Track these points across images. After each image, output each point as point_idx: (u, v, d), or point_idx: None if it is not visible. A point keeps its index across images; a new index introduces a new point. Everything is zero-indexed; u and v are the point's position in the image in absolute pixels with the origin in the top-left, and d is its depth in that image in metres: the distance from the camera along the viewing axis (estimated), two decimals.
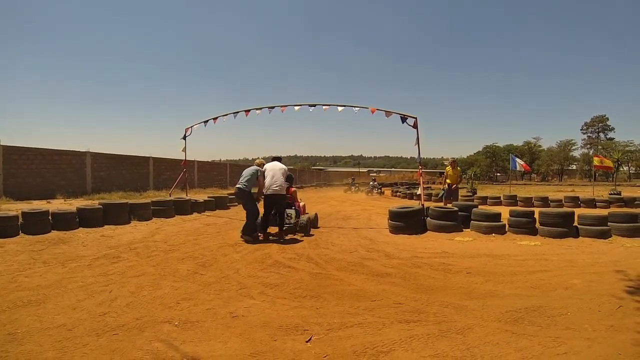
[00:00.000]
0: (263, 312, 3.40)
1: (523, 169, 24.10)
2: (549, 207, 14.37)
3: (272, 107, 10.21)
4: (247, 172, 7.27)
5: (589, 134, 68.82)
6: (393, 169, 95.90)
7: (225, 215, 10.84)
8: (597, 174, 36.45)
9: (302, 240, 6.86)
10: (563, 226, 6.98)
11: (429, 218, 7.93)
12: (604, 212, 7.95)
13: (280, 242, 6.65)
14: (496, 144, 66.46)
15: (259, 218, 7.07)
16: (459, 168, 12.71)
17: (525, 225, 7.28)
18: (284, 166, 7.37)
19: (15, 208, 8.19)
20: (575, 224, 7.18)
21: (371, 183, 25.38)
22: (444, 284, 4.29)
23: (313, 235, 7.56)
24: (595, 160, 21.75)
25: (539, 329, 3.02)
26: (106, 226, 7.64)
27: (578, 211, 7.96)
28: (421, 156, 9.00)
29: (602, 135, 67.46)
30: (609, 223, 7.15)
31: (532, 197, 16.08)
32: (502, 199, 16.55)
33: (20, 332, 2.85)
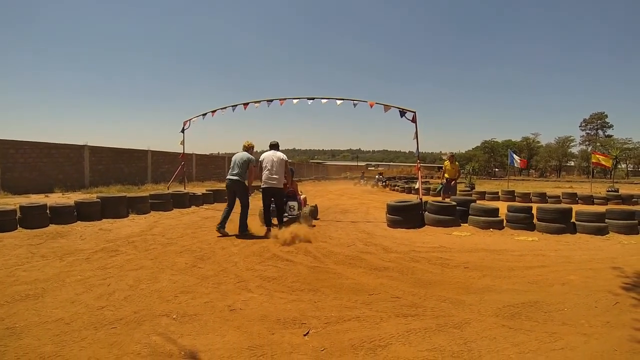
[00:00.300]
0: (261, 306, 3.41)
1: (520, 166, 24.16)
2: (547, 203, 14.41)
3: (271, 101, 10.18)
4: (238, 160, 6.67)
5: (587, 131, 68.99)
6: (391, 163, 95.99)
7: (224, 208, 10.79)
8: (595, 171, 36.48)
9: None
10: (561, 222, 7.01)
11: (427, 212, 7.94)
12: (601, 209, 7.97)
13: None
14: (494, 140, 66.57)
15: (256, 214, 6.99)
16: (457, 163, 12.73)
17: (523, 221, 7.30)
18: (282, 156, 6.81)
19: (13, 202, 8.18)
20: (573, 220, 7.21)
21: (377, 177, 29.02)
22: (442, 279, 4.30)
23: (315, 226, 7.76)
24: (594, 157, 21.80)
25: (535, 324, 3.03)
26: (104, 220, 7.63)
27: (576, 207, 8.00)
28: (419, 150, 8.99)
29: (600, 132, 67.65)
30: (606, 220, 7.18)
31: (530, 193, 16.17)
32: (500, 194, 16.61)
33: (19, 326, 2.85)
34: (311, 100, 9.72)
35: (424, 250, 5.71)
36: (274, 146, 7.00)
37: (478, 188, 20.90)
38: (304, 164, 48.22)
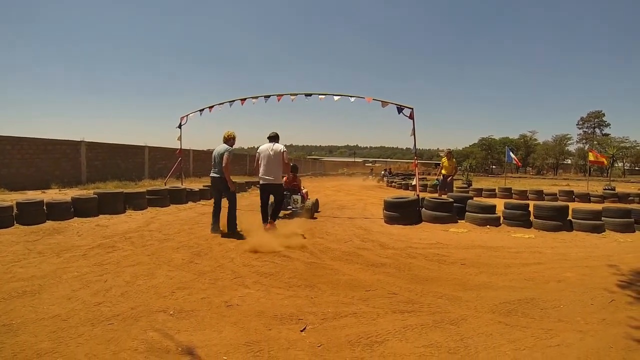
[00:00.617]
0: (258, 302, 3.41)
1: (516, 164, 24.22)
2: (544, 200, 14.45)
3: (268, 96, 10.14)
4: (216, 155, 6.27)
5: (584, 129, 68.98)
6: (389, 160, 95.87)
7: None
8: (591, 169, 36.64)
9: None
10: (557, 220, 7.03)
11: (424, 209, 7.96)
12: (598, 206, 8.00)
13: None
14: (492, 137, 66.64)
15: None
16: (454, 159, 12.77)
17: (519, 218, 7.33)
18: (280, 148, 6.30)
19: (9, 198, 8.13)
20: (570, 218, 7.23)
21: (382, 172, 30.26)
22: (439, 275, 4.32)
23: (316, 218, 8.31)
24: (591, 156, 21.86)
25: (532, 321, 3.05)
26: (101, 216, 7.60)
27: (572, 205, 8.03)
28: (417, 147, 9.00)
29: (597, 130, 67.66)
30: (602, 218, 7.21)
31: (527, 190, 16.15)
32: (497, 191, 16.61)
33: (16, 323, 2.84)
34: (309, 97, 9.68)
35: (421, 247, 5.72)
36: (273, 138, 6.50)
37: (475, 185, 20.90)
38: (301, 160, 48.18)
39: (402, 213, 7.71)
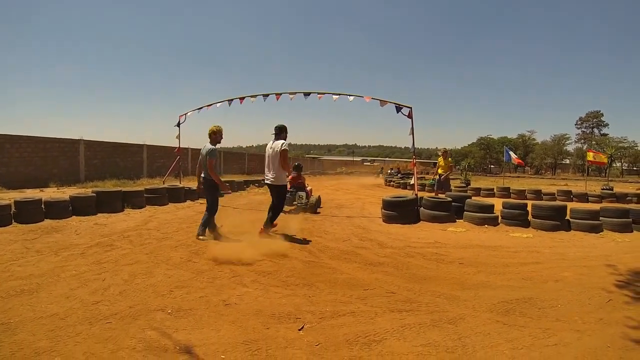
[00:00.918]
0: (256, 300, 3.41)
1: (516, 163, 24.21)
2: (542, 200, 14.47)
3: (267, 95, 10.13)
4: (202, 156, 5.86)
5: (583, 129, 69.21)
6: (387, 159, 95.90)
7: (219, 202, 10.77)
8: (590, 169, 36.69)
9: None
10: (555, 219, 7.05)
11: (422, 208, 7.96)
12: (596, 206, 8.02)
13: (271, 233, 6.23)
14: (490, 136, 66.76)
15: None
16: (450, 159, 12.88)
17: (518, 218, 7.34)
18: (279, 146, 5.86)
19: (7, 197, 8.11)
20: (568, 217, 7.24)
21: (389, 171, 30.94)
22: (437, 274, 4.32)
23: (319, 213, 8.97)
24: (589, 156, 21.89)
25: (529, 320, 3.06)
26: (99, 214, 7.59)
27: (570, 205, 8.03)
28: (415, 146, 9.00)
29: (596, 130, 67.87)
30: (600, 217, 7.22)
31: (525, 190, 16.17)
32: (495, 190, 16.63)
33: (14, 321, 2.83)
34: (307, 96, 9.67)
35: (419, 246, 5.73)
36: (277, 133, 6.04)
37: (473, 184, 20.93)
38: (299, 159, 48.18)
39: (401, 212, 7.71)
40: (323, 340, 2.68)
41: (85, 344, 2.54)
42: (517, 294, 3.65)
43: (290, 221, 7.09)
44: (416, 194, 8.52)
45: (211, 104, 11.09)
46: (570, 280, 4.17)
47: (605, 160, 22.23)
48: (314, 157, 65.24)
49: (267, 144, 6.16)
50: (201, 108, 11.35)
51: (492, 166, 65.68)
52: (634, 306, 3.39)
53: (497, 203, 8.13)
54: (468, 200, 8.11)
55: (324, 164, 54.90)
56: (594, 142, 59.45)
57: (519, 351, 2.56)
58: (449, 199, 8.19)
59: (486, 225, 7.32)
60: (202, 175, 5.94)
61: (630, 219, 7.21)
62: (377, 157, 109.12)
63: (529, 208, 7.43)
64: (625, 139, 56.38)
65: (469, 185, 20.37)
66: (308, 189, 9.56)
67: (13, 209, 6.49)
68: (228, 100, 10.75)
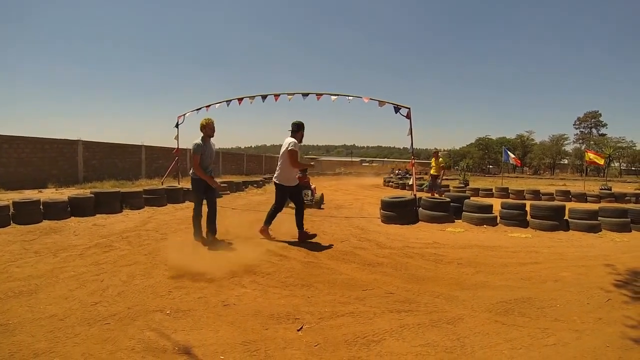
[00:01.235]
0: (254, 301, 3.41)
1: (515, 163, 24.24)
2: (541, 200, 14.50)
3: (266, 96, 10.13)
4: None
5: (581, 129, 69.19)
6: (386, 159, 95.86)
7: (217, 203, 10.76)
8: (588, 169, 36.75)
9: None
10: (554, 219, 7.06)
11: (421, 208, 7.97)
12: (594, 206, 8.03)
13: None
14: (489, 137, 66.74)
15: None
16: (441, 159, 13.13)
17: (516, 218, 7.35)
18: (287, 145, 5.68)
19: (6, 198, 8.10)
20: (566, 217, 7.26)
21: (397, 171, 31.77)
22: (435, 275, 4.32)
23: (323, 209, 9.95)
24: (587, 156, 21.92)
25: (528, 320, 3.06)
26: (98, 215, 7.58)
27: (569, 205, 8.06)
28: (414, 147, 9.00)
29: (594, 130, 67.86)
30: (599, 217, 7.24)
31: (523, 190, 16.21)
32: (494, 191, 16.67)
33: (12, 323, 2.83)
34: (306, 96, 9.67)
35: (418, 246, 5.73)
36: (292, 130, 5.86)
37: (472, 185, 20.98)
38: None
39: (399, 213, 7.72)
40: (322, 340, 2.68)
41: (84, 345, 2.53)
42: (516, 294, 3.66)
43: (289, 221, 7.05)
44: (415, 195, 8.53)
45: (210, 105, 11.08)
46: (569, 280, 4.18)
47: (602, 162, 22.23)
48: (312, 158, 65.17)
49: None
50: (200, 109, 11.33)
51: (490, 166, 65.62)
52: (633, 305, 3.40)
53: (496, 203, 8.14)
54: (467, 200, 8.12)
55: (322, 164, 54.81)
56: (592, 142, 59.50)
57: (517, 351, 2.57)
58: (448, 199, 8.20)
59: (485, 226, 7.33)
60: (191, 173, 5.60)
61: (629, 219, 7.22)
62: (375, 157, 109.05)
63: (528, 208, 7.44)
64: (623, 139, 56.39)
65: (468, 185, 20.41)
66: (313, 187, 10.46)
67: (11, 209, 6.48)
68: (227, 101, 10.74)
